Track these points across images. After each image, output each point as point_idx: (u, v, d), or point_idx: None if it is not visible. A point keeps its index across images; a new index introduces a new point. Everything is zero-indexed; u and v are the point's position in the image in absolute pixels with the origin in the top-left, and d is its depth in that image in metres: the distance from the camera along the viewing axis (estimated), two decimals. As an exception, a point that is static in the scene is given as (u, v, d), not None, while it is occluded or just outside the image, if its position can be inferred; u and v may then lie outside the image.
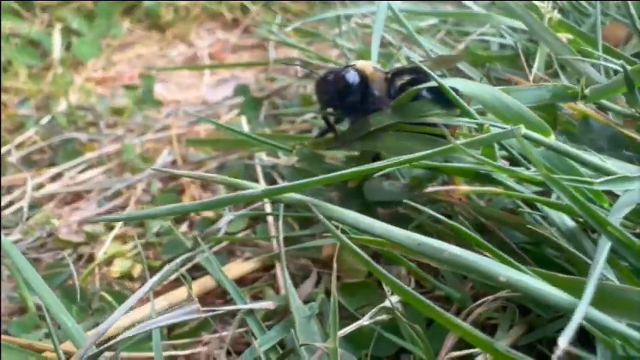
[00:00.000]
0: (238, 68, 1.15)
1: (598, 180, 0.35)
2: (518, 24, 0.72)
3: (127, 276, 0.56)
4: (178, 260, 0.48)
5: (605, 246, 0.29)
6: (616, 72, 0.55)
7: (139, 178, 0.71)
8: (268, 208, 0.61)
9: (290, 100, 0.83)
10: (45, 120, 0.86)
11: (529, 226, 0.41)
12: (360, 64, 0.48)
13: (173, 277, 0.52)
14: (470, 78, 0.68)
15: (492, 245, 0.44)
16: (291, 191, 0.35)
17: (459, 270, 0.30)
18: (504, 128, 0.37)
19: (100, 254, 0.57)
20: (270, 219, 0.58)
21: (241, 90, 0.91)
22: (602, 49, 0.62)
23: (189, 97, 1.02)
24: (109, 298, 0.50)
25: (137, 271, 0.56)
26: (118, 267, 0.56)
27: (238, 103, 0.91)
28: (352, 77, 0.45)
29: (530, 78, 0.62)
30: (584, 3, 0.75)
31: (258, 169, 0.65)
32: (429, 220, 0.49)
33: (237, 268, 0.53)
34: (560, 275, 0.30)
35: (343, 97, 0.46)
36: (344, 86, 0.45)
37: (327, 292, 0.49)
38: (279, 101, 0.84)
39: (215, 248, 0.56)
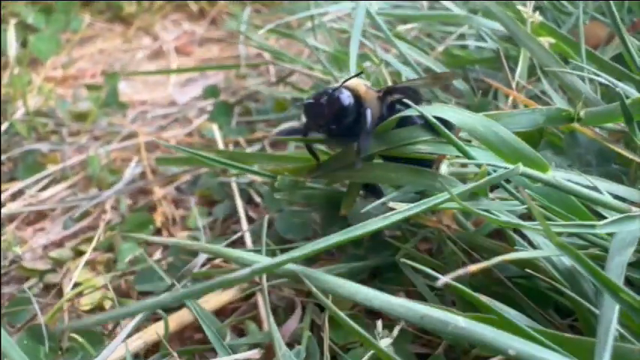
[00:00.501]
0: (209, 60, 1.11)
1: (601, 222, 0.33)
2: (498, 25, 0.70)
3: (99, 307, 0.53)
4: (152, 302, 0.45)
5: (613, 308, 0.28)
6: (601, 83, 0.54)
7: (108, 194, 0.67)
8: (245, 225, 0.58)
9: (263, 104, 0.80)
10: (2, 128, 0.80)
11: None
12: (351, 82, 0.45)
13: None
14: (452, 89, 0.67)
15: (483, 279, 0.44)
16: (283, 264, 0.32)
17: (465, 342, 0.28)
18: (500, 166, 0.35)
19: (69, 286, 0.54)
20: (249, 241, 0.55)
21: (211, 91, 0.88)
22: (585, 54, 0.61)
23: (156, 97, 0.98)
24: (80, 338, 0.46)
25: (109, 302, 0.53)
26: (89, 299, 0.53)
27: (208, 105, 0.87)
28: (347, 99, 0.42)
29: (513, 85, 0.61)
30: (564, 2, 0.73)
31: (234, 186, 0.62)
32: (415, 248, 0.47)
33: (216, 298, 0.51)
34: (569, 336, 0.29)
35: (338, 121, 0.43)
36: (338, 109, 0.42)
37: (313, 327, 0.47)
38: (252, 105, 0.81)
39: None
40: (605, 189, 0.44)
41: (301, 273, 0.32)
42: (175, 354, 0.41)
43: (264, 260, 0.34)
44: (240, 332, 0.49)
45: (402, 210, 0.34)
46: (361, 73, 0.49)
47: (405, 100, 0.41)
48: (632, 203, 0.44)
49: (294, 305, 0.49)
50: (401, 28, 0.69)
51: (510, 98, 0.61)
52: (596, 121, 0.44)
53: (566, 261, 0.36)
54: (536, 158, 0.36)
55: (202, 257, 0.52)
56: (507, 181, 0.37)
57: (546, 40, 0.64)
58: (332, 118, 0.42)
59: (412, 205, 0.34)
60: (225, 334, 0.47)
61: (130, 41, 1.21)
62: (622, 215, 0.34)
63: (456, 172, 0.46)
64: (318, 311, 0.49)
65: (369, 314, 0.47)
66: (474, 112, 0.64)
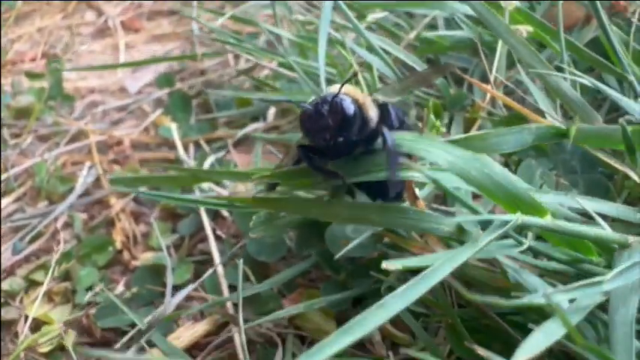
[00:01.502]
0: (160, 37, 1.04)
1: (608, 276, 0.31)
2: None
3: (59, 348, 0.49)
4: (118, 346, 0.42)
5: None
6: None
7: (60, 209, 0.61)
8: (214, 246, 0.54)
9: (225, 96, 0.74)
10: None
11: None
12: (343, 88, 0.40)
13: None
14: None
15: (473, 312, 0.42)
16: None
17: None
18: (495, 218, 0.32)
19: (26, 326, 0.49)
20: (220, 267, 0.51)
21: (165, 80, 0.81)
22: (564, 42, 0.57)
23: (106, 83, 0.90)
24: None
25: (70, 341, 0.49)
26: (48, 339, 0.49)
27: (164, 95, 0.81)
28: (350, 105, 0.37)
29: (491, 78, 0.58)
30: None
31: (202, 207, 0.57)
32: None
33: (188, 333, 0.47)
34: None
35: (344, 132, 0.37)
36: (343, 118, 0.37)
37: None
38: (212, 96, 0.75)
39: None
40: (596, 209, 0.42)
41: None
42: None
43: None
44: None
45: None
46: (355, 76, 0.44)
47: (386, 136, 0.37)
48: (626, 223, 0.42)
49: (273, 340, 0.46)
50: (371, 17, 0.64)
51: (488, 96, 0.59)
52: (591, 142, 0.41)
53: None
54: (533, 202, 0.33)
55: (170, 286, 0.48)
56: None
57: (524, 29, 0.61)
58: (338, 130, 0.37)
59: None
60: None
61: (70, 16, 1.11)
62: (629, 264, 0.31)
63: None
64: (299, 343, 0.47)
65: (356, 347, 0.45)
66: (450, 106, 0.63)
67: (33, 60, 0.98)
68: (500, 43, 0.61)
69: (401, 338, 0.44)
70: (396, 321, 0.45)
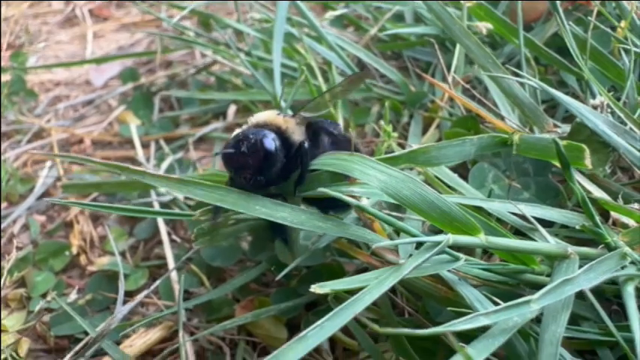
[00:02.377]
0: (129, 26, 1.02)
1: (535, 296, 0.31)
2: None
3: (13, 354, 0.49)
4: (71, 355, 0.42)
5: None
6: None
7: (17, 213, 0.61)
8: (169, 251, 0.54)
9: (188, 91, 0.73)
10: None
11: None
12: (266, 117, 0.40)
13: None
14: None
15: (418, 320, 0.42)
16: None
17: None
18: (428, 240, 0.32)
19: (-23, 333, 0.49)
20: (173, 273, 0.51)
21: (129, 75, 0.80)
22: (523, 39, 0.57)
23: (72, 76, 0.89)
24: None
25: (24, 349, 0.49)
26: (2, 345, 0.48)
27: (129, 90, 0.80)
28: (271, 142, 0.37)
29: (449, 79, 0.57)
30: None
31: (155, 204, 0.57)
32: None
33: (141, 341, 0.48)
34: None
35: (267, 169, 0.37)
36: (264, 156, 0.37)
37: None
38: (178, 93, 0.74)
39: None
40: (541, 216, 0.42)
41: None
42: None
43: None
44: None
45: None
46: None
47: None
48: (572, 229, 0.42)
49: (223, 349, 0.46)
50: (329, 15, 0.63)
51: (446, 95, 0.58)
52: (531, 152, 0.41)
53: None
54: (466, 221, 0.33)
55: (122, 295, 0.48)
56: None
57: (484, 26, 0.60)
58: (260, 168, 0.37)
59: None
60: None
61: (38, 5, 1.09)
62: (557, 282, 0.32)
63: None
64: (250, 349, 0.47)
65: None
66: (409, 104, 0.62)
67: (-3, 51, 0.97)
68: (457, 48, 0.60)
69: (349, 344, 0.45)
70: (344, 329, 0.46)
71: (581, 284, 0.32)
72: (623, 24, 0.55)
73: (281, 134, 0.39)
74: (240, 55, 0.61)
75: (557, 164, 0.47)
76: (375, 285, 0.30)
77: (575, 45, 0.52)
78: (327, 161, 0.37)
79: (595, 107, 0.49)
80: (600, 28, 0.56)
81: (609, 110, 0.48)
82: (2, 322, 0.51)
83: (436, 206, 0.33)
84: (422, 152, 0.39)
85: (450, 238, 0.31)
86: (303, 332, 0.28)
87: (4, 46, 0.98)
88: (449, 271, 0.37)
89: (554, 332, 0.31)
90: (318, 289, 0.31)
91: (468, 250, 0.41)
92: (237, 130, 0.40)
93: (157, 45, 0.87)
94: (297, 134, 0.40)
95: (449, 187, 0.46)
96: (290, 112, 0.42)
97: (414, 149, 0.39)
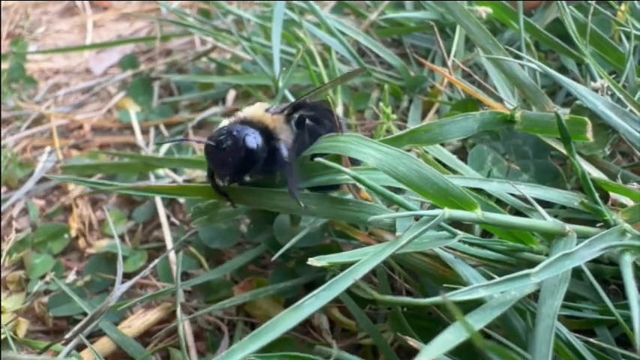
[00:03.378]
0: (129, 15, 1.01)
1: (535, 270, 0.31)
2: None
3: (12, 337, 0.49)
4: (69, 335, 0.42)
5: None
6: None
7: (16, 196, 0.61)
8: (168, 233, 0.54)
9: (188, 77, 0.73)
10: None
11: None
12: (253, 113, 0.39)
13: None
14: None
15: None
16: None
17: None
18: (426, 214, 0.32)
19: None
20: (172, 254, 0.51)
21: (129, 62, 0.80)
22: (523, 24, 0.57)
23: (71, 64, 0.89)
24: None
25: (22, 330, 0.49)
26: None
27: (129, 77, 0.80)
28: (253, 140, 0.36)
29: (449, 63, 0.57)
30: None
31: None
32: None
33: (139, 322, 0.48)
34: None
35: (248, 167, 0.37)
36: (246, 154, 0.36)
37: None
38: (177, 78, 0.74)
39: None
40: (540, 196, 0.42)
41: None
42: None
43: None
44: (166, 356, 0.46)
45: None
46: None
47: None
48: (571, 210, 0.42)
49: (221, 329, 0.46)
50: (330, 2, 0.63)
51: (445, 80, 0.58)
52: (533, 129, 0.41)
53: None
54: (463, 196, 0.33)
55: (122, 285, 0.48)
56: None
57: (484, 10, 0.60)
58: (240, 166, 0.37)
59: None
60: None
61: (38, -7, 1.09)
62: (557, 255, 0.32)
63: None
64: (248, 329, 0.47)
65: (304, 334, 0.45)
66: (409, 89, 0.62)
67: (-2, 40, 0.97)
68: (458, 31, 0.60)
69: (347, 324, 0.45)
70: (343, 308, 0.46)
71: (581, 258, 0.32)
72: (623, 7, 0.55)
73: (267, 133, 0.39)
74: (240, 40, 0.61)
75: (557, 146, 0.48)
76: (370, 257, 0.30)
77: (575, 29, 0.52)
78: (325, 144, 0.36)
79: (596, 90, 0.49)
80: (601, 13, 0.56)
81: (609, 93, 0.48)
82: (1, 303, 0.51)
83: (432, 182, 0.33)
84: (424, 130, 0.39)
85: (445, 212, 0.31)
86: (299, 302, 0.28)
87: (4, 34, 0.97)
88: (446, 250, 0.37)
89: (551, 306, 0.31)
90: (315, 262, 0.31)
91: (467, 230, 0.41)
92: (224, 122, 0.40)
93: (156, 33, 0.87)
94: (284, 133, 0.40)
95: (449, 169, 0.46)
96: (279, 105, 0.42)
97: (416, 127, 0.39)
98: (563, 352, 0.34)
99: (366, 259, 0.30)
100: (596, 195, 0.37)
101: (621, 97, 0.46)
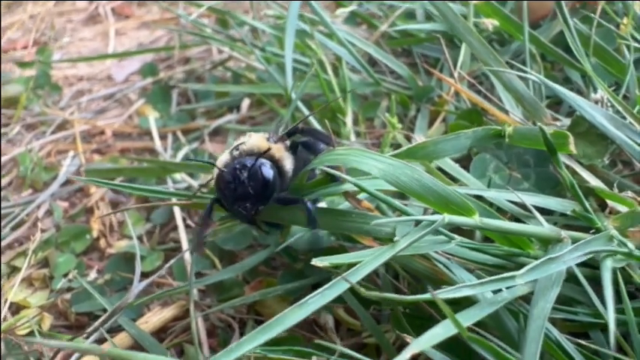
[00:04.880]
0: (150, 24, 1.05)
1: (521, 272, 0.33)
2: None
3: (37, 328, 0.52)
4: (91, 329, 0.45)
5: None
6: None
7: (42, 199, 0.64)
8: (183, 235, 0.57)
9: (205, 85, 0.76)
10: None
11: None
12: (256, 143, 0.41)
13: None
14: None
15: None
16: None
17: None
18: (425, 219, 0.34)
19: (5, 308, 0.52)
20: (187, 255, 0.54)
21: (149, 70, 0.83)
22: (528, 35, 0.59)
23: (94, 71, 0.92)
24: (15, 374, 0.46)
25: (46, 324, 0.52)
26: (26, 322, 0.51)
27: (149, 84, 0.83)
28: (270, 171, 0.38)
29: (455, 73, 0.59)
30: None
31: (172, 190, 0.59)
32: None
33: (156, 318, 0.50)
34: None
35: (265, 197, 0.38)
36: (264, 185, 0.38)
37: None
38: (194, 86, 0.77)
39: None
40: (538, 204, 0.44)
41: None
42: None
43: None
44: (180, 351, 0.49)
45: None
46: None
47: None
48: (569, 217, 0.44)
49: (232, 326, 0.48)
50: (340, 11, 0.65)
51: (452, 90, 0.60)
52: (523, 142, 0.43)
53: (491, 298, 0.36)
54: (462, 203, 0.35)
55: (139, 283, 0.50)
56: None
57: (490, 22, 0.62)
58: (258, 198, 0.38)
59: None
60: (165, 354, 0.47)
61: (63, 3, 1.13)
62: (543, 259, 0.34)
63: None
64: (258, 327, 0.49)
65: (311, 332, 0.47)
66: (417, 98, 0.64)
67: (24, 48, 1.01)
68: (464, 45, 0.62)
69: (352, 324, 0.47)
70: (349, 309, 0.48)
71: (567, 262, 0.34)
72: (625, 21, 0.56)
73: (275, 162, 0.40)
74: (254, 50, 0.64)
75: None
76: (370, 259, 0.32)
77: (578, 41, 0.54)
78: (326, 157, 0.38)
79: (596, 102, 0.51)
80: (606, 26, 0.57)
81: (609, 104, 0.50)
82: (26, 300, 0.54)
83: (433, 190, 0.35)
84: (420, 148, 0.41)
85: (445, 217, 0.33)
86: (304, 299, 0.31)
87: (30, 42, 1.01)
88: (443, 254, 0.39)
89: (543, 308, 0.33)
90: (318, 262, 0.33)
91: (468, 237, 0.43)
92: (225, 156, 0.40)
93: (176, 41, 0.90)
94: (287, 160, 0.42)
95: (451, 177, 0.48)
96: (275, 134, 0.44)
97: (413, 146, 0.41)
98: (555, 352, 0.35)
99: (366, 260, 0.32)
100: (586, 203, 0.39)
101: (620, 109, 0.48)
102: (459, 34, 0.54)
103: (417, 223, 0.36)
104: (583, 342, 0.36)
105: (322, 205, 0.44)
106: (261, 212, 0.39)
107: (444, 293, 0.31)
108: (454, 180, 0.48)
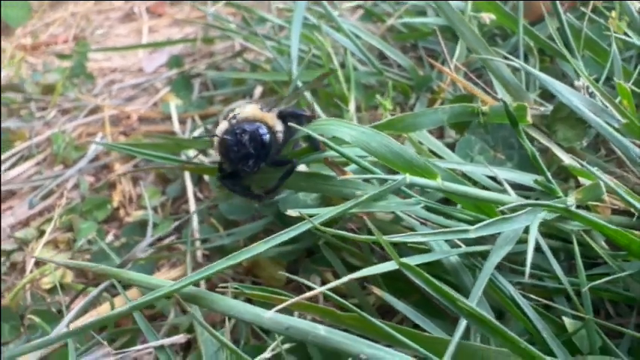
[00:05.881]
0: (179, 21, 1.11)
1: (472, 227, 0.36)
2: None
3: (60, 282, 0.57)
4: (102, 286, 0.50)
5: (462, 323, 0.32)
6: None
7: (70, 173, 0.70)
8: (193, 206, 0.62)
9: (224, 73, 0.82)
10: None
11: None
12: (250, 112, 0.45)
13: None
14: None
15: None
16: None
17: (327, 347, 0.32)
18: (389, 178, 0.38)
19: (31, 266, 0.58)
20: (195, 222, 0.59)
21: (175, 62, 0.89)
22: (523, 29, 0.62)
23: (126, 64, 0.99)
24: (37, 319, 0.51)
25: (68, 280, 0.58)
26: (50, 278, 0.57)
27: (175, 75, 0.89)
28: (267, 134, 0.43)
29: (452, 66, 0.62)
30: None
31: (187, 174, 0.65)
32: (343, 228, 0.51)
33: (164, 277, 0.55)
34: (426, 335, 0.33)
35: (262, 156, 0.43)
36: (262, 146, 0.43)
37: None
38: (213, 75, 0.82)
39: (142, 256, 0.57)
40: (512, 178, 0.47)
41: (183, 295, 0.36)
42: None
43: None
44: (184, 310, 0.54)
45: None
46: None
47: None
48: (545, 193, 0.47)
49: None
50: (346, 4, 0.70)
51: (449, 79, 0.64)
52: (496, 119, 0.47)
53: (453, 259, 0.39)
54: (425, 167, 0.39)
55: (149, 239, 0.56)
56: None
57: (487, 16, 0.65)
58: (259, 157, 0.43)
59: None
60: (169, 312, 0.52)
61: (101, 3, 1.21)
62: (497, 218, 0.37)
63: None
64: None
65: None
66: (417, 88, 0.68)
67: (65, 42, 1.08)
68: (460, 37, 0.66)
69: (337, 287, 0.51)
70: (337, 273, 0.52)
71: (519, 222, 0.37)
72: (613, 14, 0.59)
73: (268, 128, 0.45)
74: (265, 41, 0.69)
75: (541, 138, 0.53)
76: (334, 211, 0.36)
77: (570, 35, 0.57)
78: (310, 127, 0.43)
79: (579, 89, 0.54)
80: (598, 22, 0.60)
81: (590, 91, 0.53)
82: (53, 259, 0.60)
83: (399, 154, 0.39)
84: (399, 120, 0.45)
85: (407, 177, 0.37)
86: (270, 237, 0.35)
87: (69, 37, 1.09)
88: (417, 219, 0.43)
89: (493, 262, 0.37)
90: (292, 212, 0.38)
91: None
92: (224, 125, 0.45)
93: (200, 37, 0.96)
94: (278, 126, 0.46)
95: (437, 156, 0.52)
96: (266, 105, 0.48)
97: (393, 118, 0.45)
98: (507, 304, 0.39)
99: (330, 210, 0.36)
100: (547, 172, 0.42)
101: (598, 94, 0.51)
102: (453, 26, 0.58)
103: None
104: (532, 295, 0.39)
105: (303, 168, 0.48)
106: (261, 169, 0.44)
107: (397, 238, 0.35)
108: (438, 157, 0.52)
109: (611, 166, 0.53)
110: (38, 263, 0.60)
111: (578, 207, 0.44)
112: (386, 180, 0.39)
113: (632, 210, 0.43)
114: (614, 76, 0.57)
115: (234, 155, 0.43)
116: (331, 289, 0.53)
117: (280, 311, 0.35)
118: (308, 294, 0.34)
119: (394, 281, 0.46)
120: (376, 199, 0.40)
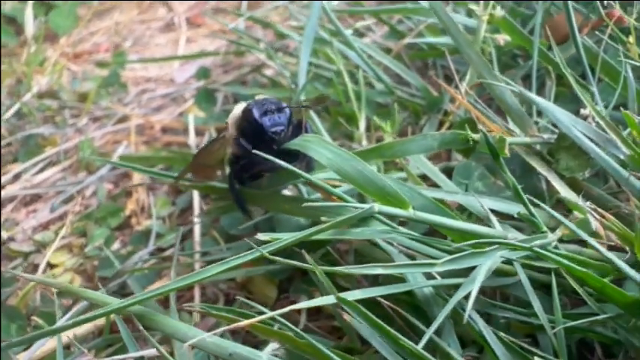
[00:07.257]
0: (216, 32, 1.14)
1: (440, 261, 0.36)
2: (462, 17, 0.70)
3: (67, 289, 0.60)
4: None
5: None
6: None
7: (91, 180, 0.73)
8: (198, 220, 0.64)
9: (247, 87, 0.84)
10: (11, 112, 0.88)
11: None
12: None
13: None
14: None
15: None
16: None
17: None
18: (358, 206, 0.38)
19: (42, 266, 0.62)
20: (197, 234, 0.60)
21: (203, 73, 0.92)
22: (538, 53, 0.61)
23: (160, 73, 1.03)
24: (40, 320, 0.54)
25: (77, 284, 0.60)
26: (60, 279, 0.60)
27: (202, 87, 0.91)
28: (287, 108, 0.45)
29: (462, 91, 0.62)
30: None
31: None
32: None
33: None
34: None
35: (286, 128, 0.44)
36: (287, 116, 0.44)
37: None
38: (236, 89, 0.84)
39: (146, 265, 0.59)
40: (502, 209, 0.46)
41: (136, 314, 0.37)
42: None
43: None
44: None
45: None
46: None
47: None
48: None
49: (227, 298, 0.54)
50: (359, 24, 0.70)
51: (457, 102, 0.63)
52: (483, 148, 0.46)
53: (426, 290, 0.39)
54: (396, 195, 0.38)
55: (150, 248, 0.58)
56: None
57: (502, 38, 0.64)
58: (286, 125, 0.44)
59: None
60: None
61: (144, 12, 1.26)
62: (466, 252, 0.36)
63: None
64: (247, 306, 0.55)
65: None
66: (428, 109, 0.67)
67: (107, 51, 1.13)
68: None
69: (325, 307, 0.51)
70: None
71: (489, 257, 0.37)
72: (631, 39, 0.57)
73: None
74: (274, 58, 0.70)
75: (540, 169, 0.51)
76: (303, 234, 0.37)
77: (586, 59, 0.56)
78: (296, 142, 0.44)
79: (585, 117, 0.52)
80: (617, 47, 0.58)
81: (595, 120, 0.51)
82: (65, 262, 0.63)
83: (371, 181, 0.39)
84: (388, 147, 0.45)
85: (375, 206, 0.37)
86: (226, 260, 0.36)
87: (111, 46, 1.14)
88: (398, 247, 0.43)
89: (459, 295, 0.36)
90: (263, 236, 0.38)
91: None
92: (240, 105, 0.48)
93: (233, 49, 0.99)
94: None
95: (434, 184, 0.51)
96: None
97: (382, 144, 0.45)
98: (481, 340, 0.38)
99: (298, 234, 0.37)
100: (531, 207, 0.41)
101: (602, 123, 0.49)
102: (459, 48, 0.57)
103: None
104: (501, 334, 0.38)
105: (287, 192, 0.49)
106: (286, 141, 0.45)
107: (358, 270, 0.35)
108: (436, 185, 0.51)
109: (618, 200, 0.51)
110: (51, 265, 0.63)
111: (571, 241, 0.43)
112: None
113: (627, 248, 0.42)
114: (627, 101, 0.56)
115: (267, 121, 0.44)
116: (319, 309, 0.54)
117: (250, 333, 0.35)
118: (260, 317, 0.34)
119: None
120: (353, 226, 0.40)
